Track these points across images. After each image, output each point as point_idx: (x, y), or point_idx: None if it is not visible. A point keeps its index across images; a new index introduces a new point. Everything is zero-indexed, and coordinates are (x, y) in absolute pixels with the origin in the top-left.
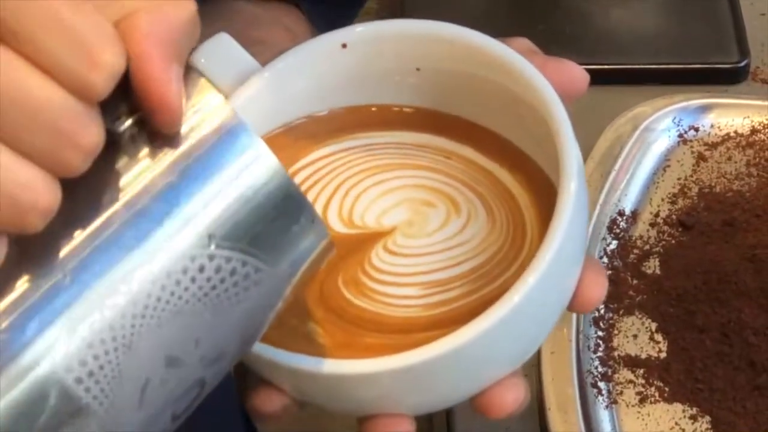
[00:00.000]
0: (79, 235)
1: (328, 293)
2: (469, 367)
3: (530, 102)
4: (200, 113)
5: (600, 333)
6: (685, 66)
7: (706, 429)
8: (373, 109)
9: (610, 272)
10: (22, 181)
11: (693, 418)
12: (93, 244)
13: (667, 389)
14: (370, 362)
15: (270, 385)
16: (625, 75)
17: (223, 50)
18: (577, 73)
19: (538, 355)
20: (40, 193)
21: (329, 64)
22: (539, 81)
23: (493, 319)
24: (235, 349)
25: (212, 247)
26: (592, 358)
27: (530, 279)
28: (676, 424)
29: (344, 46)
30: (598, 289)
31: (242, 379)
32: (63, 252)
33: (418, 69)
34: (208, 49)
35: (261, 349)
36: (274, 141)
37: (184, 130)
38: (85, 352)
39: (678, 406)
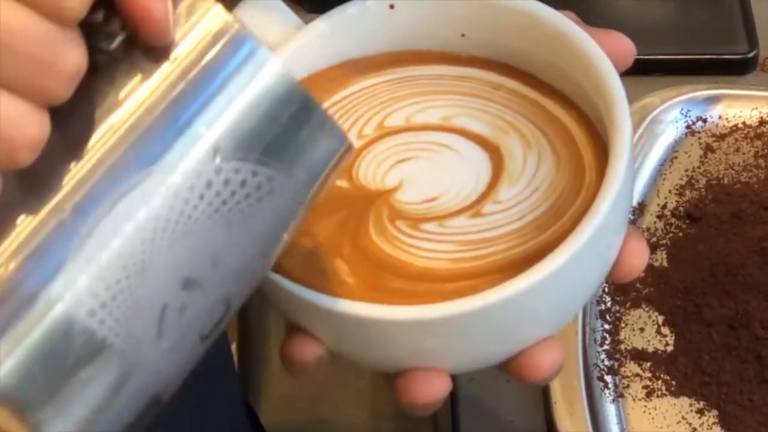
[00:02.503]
0: (77, 165)
1: (354, 232)
2: (509, 323)
3: (583, 68)
4: (199, 25)
5: (606, 326)
6: (693, 57)
7: (713, 423)
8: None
9: None
10: (7, 116)
11: (700, 411)
12: (92, 173)
13: (673, 383)
14: (410, 309)
15: (306, 333)
16: (633, 66)
17: (267, 7)
18: (625, 44)
19: None
20: (25, 126)
21: (375, 24)
22: (592, 49)
23: (550, 267)
24: (258, 263)
25: (218, 160)
26: (598, 351)
27: (592, 226)
28: (683, 417)
29: (391, 7)
30: (640, 257)
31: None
32: (62, 184)
33: (463, 35)
34: (251, 6)
35: (295, 289)
36: (307, 80)
37: (181, 43)
38: (96, 284)
39: (685, 400)
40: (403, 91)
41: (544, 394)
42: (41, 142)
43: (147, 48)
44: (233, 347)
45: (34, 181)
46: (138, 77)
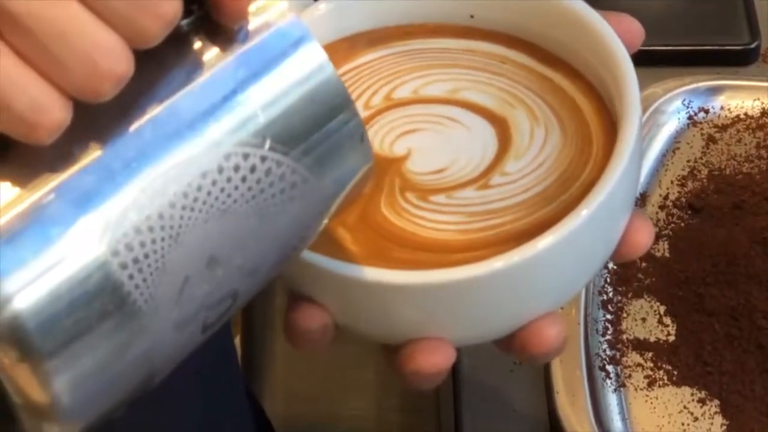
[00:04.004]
0: (138, 117)
1: (365, 202)
2: (515, 292)
3: (593, 45)
4: (262, 13)
5: (608, 316)
6: (695, 47)
7: (715, 412)
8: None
9: None
10: (101, 45)
11: (701, 401)
12: (149, 130)
13: (675, 372)
14: (417, 274)
15: (311, 302)
16: (635, 57)
17: None
18: (634, 26)
19: None
20: (116, 59)
21: (387, 5)
22: (603, 27)
23: (560, 235)
24: (271, 264)
25: (266, 147)
26: (600, 342)
27: (600, 195)
28: (685, 407)
29: None
30: (645, 234)
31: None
32: (121, 132)
33: (471, 16)
34: None
35: (304, 254)
36: None
37: (249, 30)
38: (133, 238)
39: (686, 390)
40: (410, 64)
41: (546, 384)
42: (126, 79)
43: (218, 28)
44: (237, 340)
45: (95, 123)
46: (206, 54)
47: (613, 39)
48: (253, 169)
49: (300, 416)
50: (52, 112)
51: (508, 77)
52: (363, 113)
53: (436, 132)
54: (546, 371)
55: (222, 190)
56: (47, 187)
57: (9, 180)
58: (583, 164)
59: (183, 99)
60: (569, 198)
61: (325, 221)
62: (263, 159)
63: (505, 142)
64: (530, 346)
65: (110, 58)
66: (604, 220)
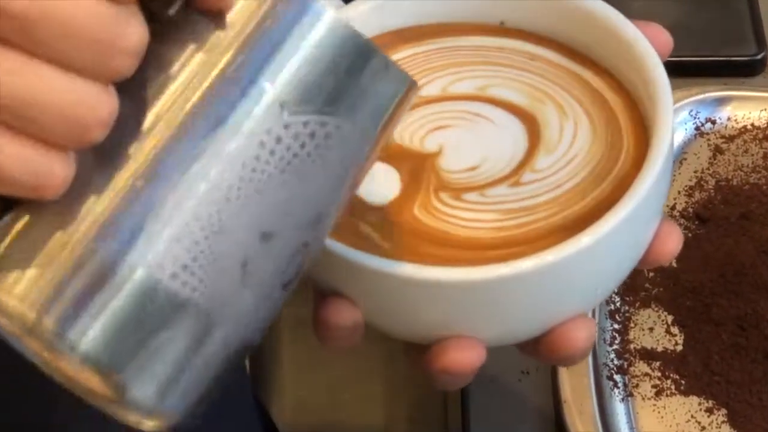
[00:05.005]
0: (146, 133)
1: (400, 203)
2: (548, 291)
3: (621, 48)
4: None
5: (616, 326)
6: (701, 58)
7: (722, 422)
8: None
9: None
10: (76, 98)
11: (709, 410)
12: (160, 139)
13: (683, 382)
14: (455, 270)
15: (342, 297)
16: None
17: None
18: (664, 35)
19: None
20: (96, 105)
21: (417, 8)
22: (634, 33)
23: (597, 234)
24: (335, 204)
25: (285, 115)
26: (608, 351)
27: (638, 195)
28: (692, 416)
29: None
30: (674, 241)
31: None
32: (132, 153)
33: (502, 23)
34: None
35: (339, 249)
36: None
37: (237, 4)
38: (175, 247)
39: (694, 399)
40: (439, 62)
41: (554, 394)
42: (112, 117)
43: (205, 11)
44: None
45: (105, 153)
46: (199, 41)
47: (643, 42)
48: (278, 140)
49: (308, 427)
50: (53, 173)
51: (536, 73)
52: None
53: (466, 129)
54: (554, 380)
55: (254, 170)
56: (87, 228)
57: (43, 231)
58: (615, 159)
59: (187, 96)
60: (602, 193)
61: (381, 148)
62: (287, 126)
63: (534, 138)
64: (559, 349)
65: (88, 107)
66: (640, 221)
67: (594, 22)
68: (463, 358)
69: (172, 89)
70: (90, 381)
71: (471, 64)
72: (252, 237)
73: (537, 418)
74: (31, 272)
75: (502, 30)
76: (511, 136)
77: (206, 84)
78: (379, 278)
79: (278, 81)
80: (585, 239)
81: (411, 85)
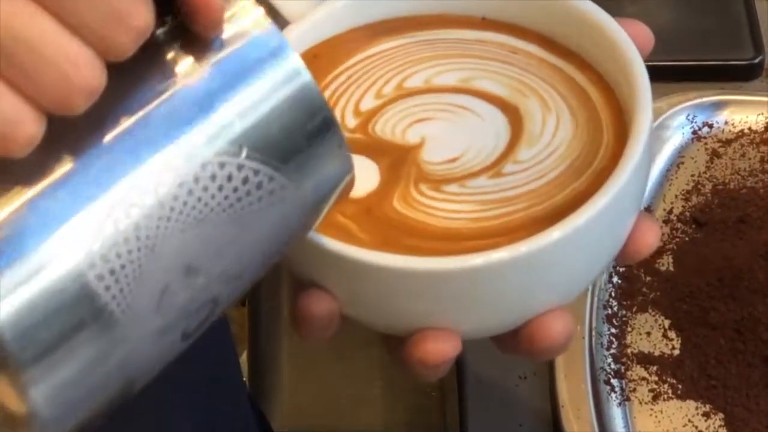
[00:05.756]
0: (112, 129)
1: (379, 193)
2: (525, 281)
3: (601, 42)
4: (238, 21)
5: (613, 330)
6: (699, 62)
7: (720, 426)
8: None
9: (622, 269)
10: (72, 59)
11: (706, 415)
12: (124, 140)
13: (680, 386)
14: (429, 260)
15: (319, 288)
16: None
17: None
18: (645, 31)
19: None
20: (88, 73)
21: (394, 5)
22: (614, 27)
23: (572, 225)
24: (252, 270)
25: (242, 156)
26: (605, 355)
27: (615, 184)
28: (689, 421)
29: None
30: (652, 234)
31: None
32: (94, 145)
33: (483, 18)
34: None
35: (314, 238)
36: (328, 42)
37: (223, 37)
38: (109, 249)
39: (691, 404)
40: (422, 54)
41: (551, 398)
42: (98, 91)
43: (192, 37)
44: (243, 357)
45: (68, 136)
46: (180, 64)
47: (623, 37)
48: (229, 178)
49: (305, 431)
50: (24, 127)
51: (519, 66)
52: (375, 102)
53: (449, 121)
54: (551, 385)
55: (199, 199)
56: (21, 199)
57: None
58: (595, 152)
59: (157, 109)
60: (581, 185)
61: (308, 229)
62: (240, 167)
63: (517, 130)
64: (537, 340)
65: (82, 72)
66: (615, 214)
67: (575, 17)
68: (439, 349)
69: (144, 97)
70: None
71: (453, 57)
72: (178, 266)
73: (534, 422)
74: None
75: (483, 23)
76: (494, 128)
77: (173, 102)
78: (355, 268)
79: (246, 121)
80: (558, 231)
81: (352, 178)
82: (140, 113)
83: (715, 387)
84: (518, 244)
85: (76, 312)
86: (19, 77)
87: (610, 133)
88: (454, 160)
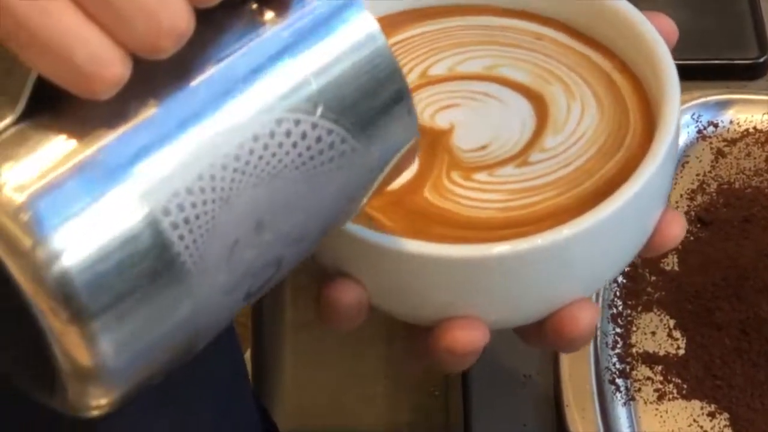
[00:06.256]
0: (194, 75)
1: (411, 182)
2: (553, 270)
3: (630, 38)
4: None
5: (618, 330)
6: (703, 62)
7: (725, 426)
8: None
9: (627, 268)
10: (164, 1)
11: (711, 415)
12: (203, 91)
13: (685, 386)
14: (460, 247)
15: (347, 277)
16: None
17: None
18: (670, 24)
19: (555, 351)
20: (179, 16)
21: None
22: (640, 19)
23: (602, 213)
24: (316, 233)
25: (317, 114)
26: (610, 355)
27: (646, 173)
28: (695, 421)
29: None
30: (677, 226)
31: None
32: (176, 92)
33: (506, 4)
34: None
35: (348, 227)
36: None
37: (305, 5)
38: (184, 198)
39: (696, 403)
40: (445, 42)
41: (556, 398)
42: (186, 36)
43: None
44: (247, 355)
45: (150, 82)
46: (261, 18)
47: (649, 27)
48: (303, 136)
49: (310, 429)
50: (111, 66)
51: (543, 53)
52: None
53: (474, 108)
54: (556, 384)
55: (273, 154)
56: (101, 142)
57: (62, 134)
58: (622, 138)
59: (237, 61)
60: (609, 172)
61: (369, 195)
62: (314, 126)
63: (542, 117)
64: (564, 331)
65: (173, 15)
66: (645, 202)
67: (600, 6)
68: (468, 337)
69: (225, 50)
70: (36, 302)
71: (477, 44)
72: (249, 221)
73: (539, 422)
74: (28, 171)
75: (507, 11)
76: (519, 116)
77: (252, 56)
78: (385, 255)
79: (323, 80)
80: (589, 219)
81: (416, 143)
82: (222, 63)
83: (720, 387)
84: (547, 233)
85: (149, 261)
86: (109, 18)
87: (636, 119)
88: (483, 147)
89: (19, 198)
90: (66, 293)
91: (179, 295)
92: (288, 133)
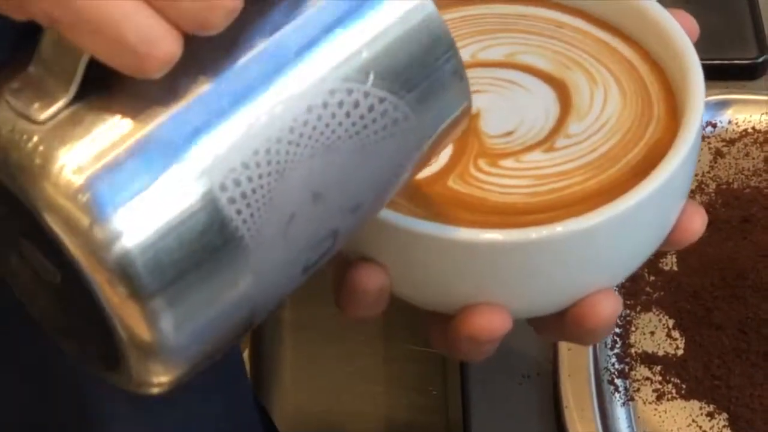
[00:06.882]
0: (246, 51)
1: (438, 170)
2: (580, 257)
3: (651, 28)
4: None
5: (617, 330)
6: (702, 62)
7: (724, 426)
8: None
9: None
10: None
11: (710, 414)
12: (255, 65)
13: (684, 386)
14: (487, 232)
15: (370, 261)
16: None
17: None
18: (691, 22)
19: (554, 351)
20: None
21: None
22: (660, 10)
23: (634, 198)
24: (370, 203)
25: (369, 83)
26: (609, 355)
27: (673, 162)
28: (693, 421)
29: None
30: (698, 220)
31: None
32: (228, 68)
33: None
34: None
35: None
36: None
37: None
38: (240, 173)
39: (695, 403)
40: (466, 29)
41: (555, 398)
42: (236, 11)
43: None
44: (245, 354)
45: (202, 59)
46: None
47: (669, 18)
48: (356, 105)
49: (309, 429)
50: (163, 45)
51: (563, 41)
52: None
53: (499, 95)
54: (555, 385)
55: (327, 125)
56: (156, 121)
57: (117, 115)
58: (645, 124)
59: (288, 34)
60: (634, 158)
61: (421, 163)
62: (366, 95)
63: (566, 104)
64: (585, 321)
65: None
66: (672, 190)
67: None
68: (491, 323)
69: (277, 23)
70: (98, 282)
71: (498, 32)
72: (305, 193)
73: (538, 422)
74: (92, 151)
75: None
76: (543, 102)
77: (304, 27)
78: (411, 239)
79: (373, 49)
80: (620, 205)
81: (468, 107)
82: (270, 38)
83: (719, 387)
84: (576, 219)
85: (207, 237)
86: None
87: (660, 107)
88: (510, 133)
89: (78, 180)
90: (127, 273)
91: (238, 270)
92: (341, 103)
